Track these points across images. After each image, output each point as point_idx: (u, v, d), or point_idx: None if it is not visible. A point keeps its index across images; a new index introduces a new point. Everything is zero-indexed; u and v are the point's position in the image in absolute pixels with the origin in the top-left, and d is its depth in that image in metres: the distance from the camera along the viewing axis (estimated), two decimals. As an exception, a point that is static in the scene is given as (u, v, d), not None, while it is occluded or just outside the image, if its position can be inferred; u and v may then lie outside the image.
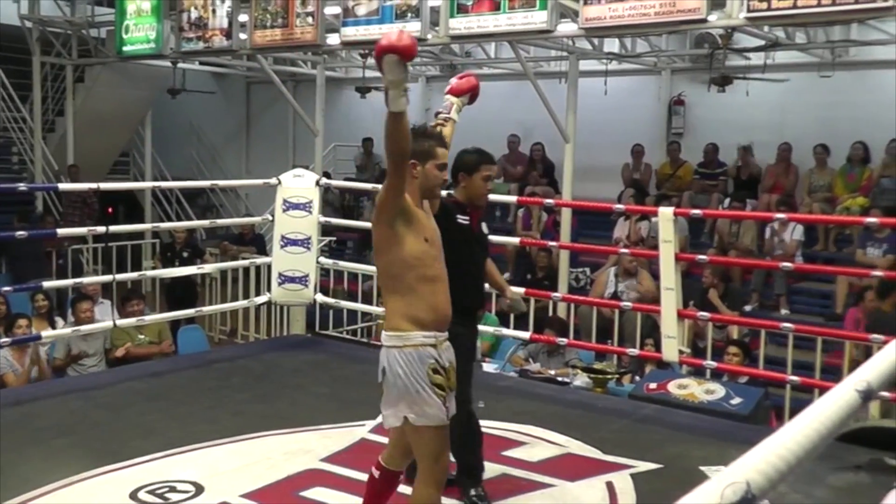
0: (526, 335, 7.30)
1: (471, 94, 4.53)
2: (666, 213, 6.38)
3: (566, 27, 9.72)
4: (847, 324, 9.30)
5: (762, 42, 11.51)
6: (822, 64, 12.21)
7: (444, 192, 4.42)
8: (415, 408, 3.53)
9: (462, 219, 4.47)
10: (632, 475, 4.89)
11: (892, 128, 11.73)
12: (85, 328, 7.63)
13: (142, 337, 8.48)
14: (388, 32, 3.42)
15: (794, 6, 7.90)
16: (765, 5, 7.99)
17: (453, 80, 4.54)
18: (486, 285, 4.84)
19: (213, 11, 12.28)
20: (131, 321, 7.78)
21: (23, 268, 11.70)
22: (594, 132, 12.81)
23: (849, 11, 7.96)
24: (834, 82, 12.19)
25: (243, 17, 12.10)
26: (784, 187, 12.16)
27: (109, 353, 8.30)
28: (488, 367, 7.92)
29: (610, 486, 4.77)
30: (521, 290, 7.64)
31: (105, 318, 8.23)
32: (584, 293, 11.03)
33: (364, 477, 4.17)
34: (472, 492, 4.47)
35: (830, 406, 1.53)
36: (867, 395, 1.74)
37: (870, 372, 1.83)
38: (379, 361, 3.62)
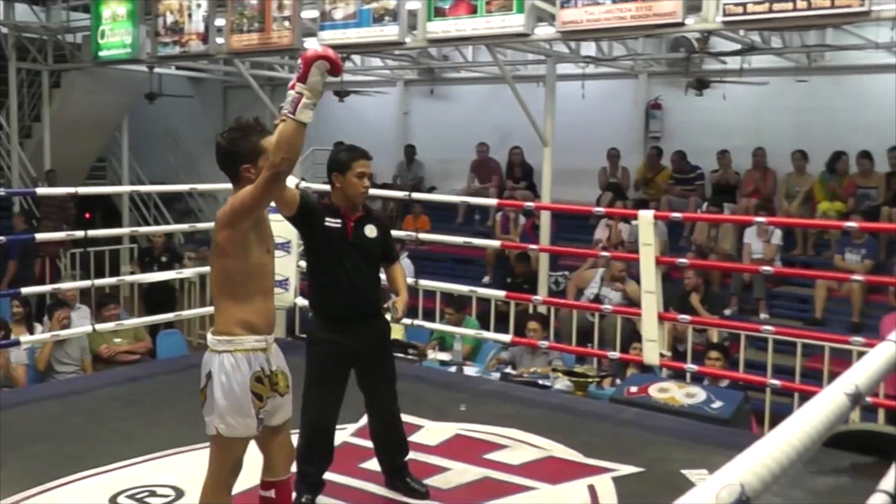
0: (507, 338, 7.29)
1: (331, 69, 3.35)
2: (646, 216, 6.38)
3: (543, 31, 9.72)
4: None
5: (738, 46, 11.58)
6: (799, 68, 12.27)
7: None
8: (228, 418, 3.40)
9: (332, 222, 4.29)
10: (613, 478, 4.89)
11: (868, 133, 11.83)
12: (64, 333, 7.62)
13: (118, 340, 8.43)
14: (315, 47, 3.32)
15: (770, 10, 7.92)
16: (740, 9, 8.01)
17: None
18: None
19: (189, 16, 12.21)
20: (109, 325, 7.71)
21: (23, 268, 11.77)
22: (572, 136, 12.82)
23: (824, 16, 7.96)
24: (810, 87, 12.25)
25: (220, 22, 12.04)
26: (762, 192, 12.23)
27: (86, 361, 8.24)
28: (469, 370, 7.90)
29: (592, 489, 4.77)
30: (502, 293, 7.68)
31: (83, 323, 8.20)
32: (563, 297, 10.99)
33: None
34: (303, 498, 4.31)
35: (821, 409, 1.53)
36: (856, 399, 1.75)
37: (858, 375, 1.84)
38: (203, 365, 3.49)
